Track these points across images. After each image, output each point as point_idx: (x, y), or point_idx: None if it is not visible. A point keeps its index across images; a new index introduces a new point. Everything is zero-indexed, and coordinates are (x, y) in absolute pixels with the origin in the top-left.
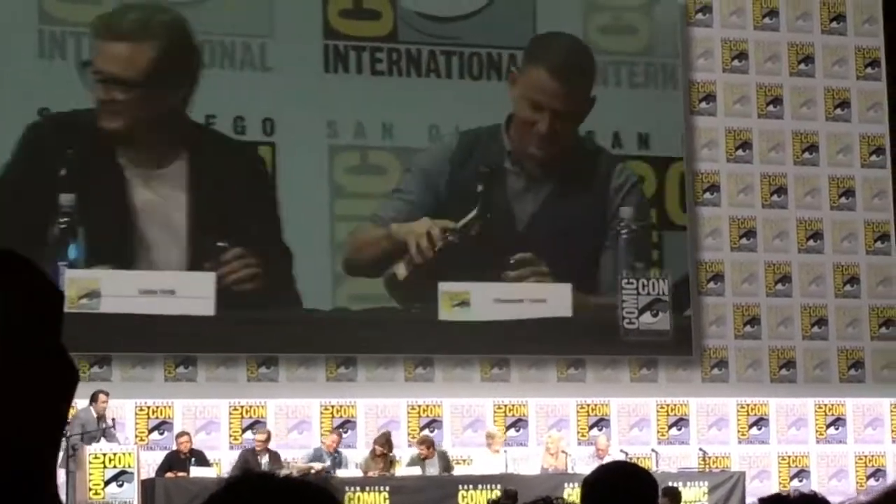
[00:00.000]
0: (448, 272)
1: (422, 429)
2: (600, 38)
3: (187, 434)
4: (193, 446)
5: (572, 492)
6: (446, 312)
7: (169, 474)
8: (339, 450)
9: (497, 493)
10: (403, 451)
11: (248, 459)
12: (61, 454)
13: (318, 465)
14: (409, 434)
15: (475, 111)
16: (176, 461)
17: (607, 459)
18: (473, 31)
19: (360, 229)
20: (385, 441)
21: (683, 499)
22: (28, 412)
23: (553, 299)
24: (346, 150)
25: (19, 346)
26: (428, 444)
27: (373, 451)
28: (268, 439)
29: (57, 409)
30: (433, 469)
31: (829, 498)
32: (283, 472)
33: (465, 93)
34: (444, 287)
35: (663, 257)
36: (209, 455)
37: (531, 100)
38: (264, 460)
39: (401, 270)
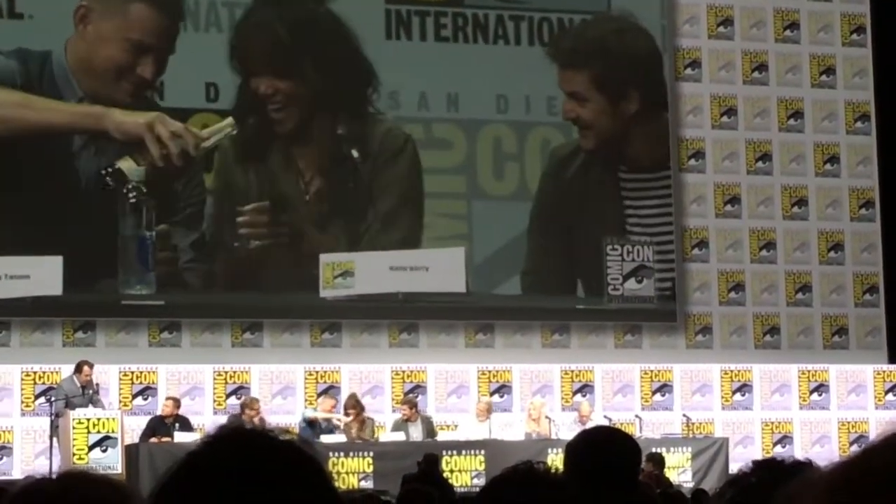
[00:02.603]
0: None
1: (406, 394)
2: None
3: (174, 399)
4: (179, 412)
5: (556, 457)
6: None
7: (153, 439)
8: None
9: (481, 458)
10: (387, 417)
11: None
12: (46, 423)
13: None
14: (393, 400)
15: None
16: (160, 426)
17: (590, 425)
18: None
19: None
20: (354, 403)
21: (667, 464)
22: None
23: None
24: None
25: None
26: (411, 405)
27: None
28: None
29: None
30: (416, 432)
31: None
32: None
33: None
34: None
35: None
36: (193, 420)
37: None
38: None
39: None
